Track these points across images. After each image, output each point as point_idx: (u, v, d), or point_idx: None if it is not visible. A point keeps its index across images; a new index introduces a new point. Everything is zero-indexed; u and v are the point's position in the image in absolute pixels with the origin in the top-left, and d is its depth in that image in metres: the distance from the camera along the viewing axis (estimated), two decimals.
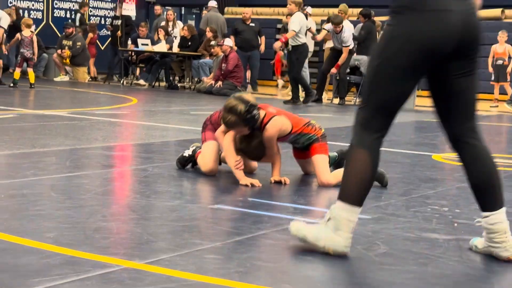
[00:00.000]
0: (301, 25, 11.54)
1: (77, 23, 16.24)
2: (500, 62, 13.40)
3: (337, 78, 12.80)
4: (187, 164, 4.55)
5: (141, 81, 14.94)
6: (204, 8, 16.72)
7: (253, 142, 4.20)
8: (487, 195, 2.70)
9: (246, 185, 4.04)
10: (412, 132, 8.82)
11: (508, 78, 13.41)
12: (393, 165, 5.20)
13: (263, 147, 4.22)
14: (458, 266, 2.69)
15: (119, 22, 15.77)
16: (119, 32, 15.53)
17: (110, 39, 16.55)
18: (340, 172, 4.34)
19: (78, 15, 16.63)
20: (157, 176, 4.33)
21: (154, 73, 14.78)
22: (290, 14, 11.81)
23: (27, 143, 5.42)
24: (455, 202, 3.91)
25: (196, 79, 14.53)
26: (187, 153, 4.54)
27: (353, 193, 2.67)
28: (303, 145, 4.41)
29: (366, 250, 2.80)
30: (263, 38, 14.55)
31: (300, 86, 11.90)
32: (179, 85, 14.74)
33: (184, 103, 11.25)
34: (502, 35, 13.40)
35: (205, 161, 4.36)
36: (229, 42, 13.31)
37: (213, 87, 13.05)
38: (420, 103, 12.67)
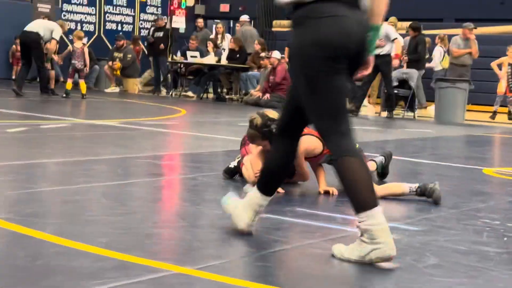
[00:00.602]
0: None
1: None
2: None
3: (385, 91, 12.73)
4: (234, 174, 4.59)
5: (190, 93, 15.10)
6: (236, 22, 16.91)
7: None
8: (275, 181, 2.99)
9: None
10: (463, 145, 8.70)
11: None
12: (444, 178, 5.14)
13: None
14: (510, 279, 2.64)
15: (160, 34, 15.94)
16: (161, 45, 15.71)
17: (151, 50, 16.61)
18: (386, 185, 4.34)
19: (152, 28, 16.76)
20: (206, 185, 4.37)
21: (202, 85, 14.94)
22: None
23: (79, 152, 5.54)
24: (506, 216, 3.85)
25: (243, 91, 14.62)
26: (233, 164, 4.59)
27: (367, 198, 2.70)
28: None
29: (416, 261, 2.78)
30: None
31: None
32: (227, 97, 14.86)
33: (232, 114, 11.33)
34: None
35: (249, 173, 4.40)
36: (277, 54, 13.36)
37: (260, 99, 13.11)
38: (470, 117, 12.50)
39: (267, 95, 13.07)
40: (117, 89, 15.59)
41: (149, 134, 7.21)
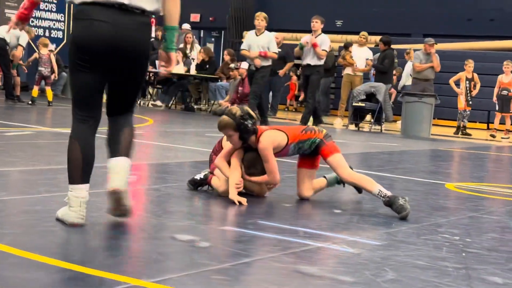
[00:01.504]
0: None
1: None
2: (505, 92, 13.32)
3: (353, 104, 12.83)
4: (199, 186, 4.57)
5: (158, 102, 15.06)
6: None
7: (258, 166, 4.34)
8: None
9: (233, 201, 4.14)
10: (427, 160, 8.79)
11: None
12: (406, 192, 5.19)
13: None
14: None
15: None
16: None
17: None
18: (362, 176, 4.38)
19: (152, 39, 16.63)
20: (169, 196, 4.35)
21: (171, 94, 14.89)
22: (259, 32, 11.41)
23: (42, 160, 5.47)
24: (466, 231, 3.89)
25: (212, 101, 14.61)
26: (199, 176, 4.57)
27: (75, 174, 3.29)
28: (310, 150, 4.43)
29: (374, 276, 2.79)
30: (289, 64, 14.50)
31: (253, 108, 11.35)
32: (195, 107, 14.83)
33: (200, 125, 11.30)
34: (507, 66, 13.34)
35: (221, 182, 4.40)
36: (246, 65, 13.39)
37: None
38: (436, 132, 12.64)
39: (236, 106, 13.07)
40: None
41: None
